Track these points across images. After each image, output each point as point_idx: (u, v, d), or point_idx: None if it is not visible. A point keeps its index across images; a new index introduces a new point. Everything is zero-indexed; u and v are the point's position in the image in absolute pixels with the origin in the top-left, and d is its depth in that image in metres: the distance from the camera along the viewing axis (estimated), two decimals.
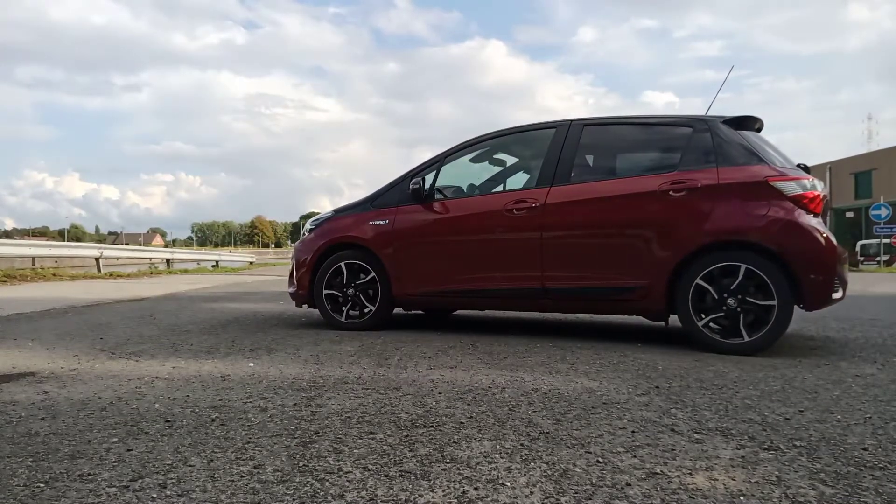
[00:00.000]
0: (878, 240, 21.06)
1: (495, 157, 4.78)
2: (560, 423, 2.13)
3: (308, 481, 1.60)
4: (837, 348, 3.73)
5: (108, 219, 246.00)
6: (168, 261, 20.68)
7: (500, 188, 4.62)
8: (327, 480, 1.61)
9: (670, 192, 3.73)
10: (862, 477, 1.65)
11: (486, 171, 4.79)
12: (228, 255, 29.80)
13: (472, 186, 4.64)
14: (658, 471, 1.68)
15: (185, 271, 16.95)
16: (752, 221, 3.54)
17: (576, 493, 1.53)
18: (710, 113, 4.08)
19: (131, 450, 1.84)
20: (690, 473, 1.67)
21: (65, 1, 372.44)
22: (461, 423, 2.13)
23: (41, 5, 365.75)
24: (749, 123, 4.00)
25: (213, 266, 22.18)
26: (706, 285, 3.58)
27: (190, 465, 1.71)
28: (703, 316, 3.62)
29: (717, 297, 3.54)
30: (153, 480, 1.61)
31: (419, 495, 1.52)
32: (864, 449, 1.87)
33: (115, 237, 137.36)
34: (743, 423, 2.14)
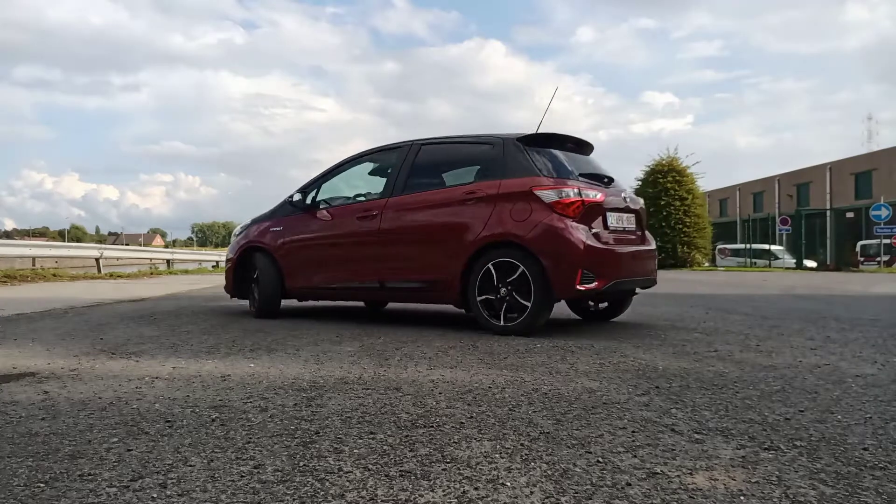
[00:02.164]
0: (879, 240, 21.01)
1: (383, 169, 5.32)
2: (560, 423, 2.13)
3: (308, 481, 1.60)
4: (837, 348, 3.73)
5: (107, 219, 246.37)
6: (168, 261, 20.71)
7: (362, 198, 5.24)
8: (327, 480, 1.61)
9: (465, 201, 4.43)
10: (862, 477, 1.65)
11: (371, 182, 5.40)
12: None
13: (348, 197, 5.35)
14: (658, 471, 1.68)
15: (186, 272, 16.96)
16: (515, 225, 4.17)
17: (576, 492, 1.53)
18: (540, 126, 4.62)
19: (131, 450, 1.85)
20: (691, 473, 1.66)
21: (63, 1, 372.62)
22: (461, 423, 2.13)
23: (39, 5, 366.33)
24: (555, 141, 4.62)
25: (213, 266, 22.19)
26: (485, 277, 4.24)
27: (190, 465, 1.71)
28: (491, 303, 4.23)
29: (494, 286, 4.20)
30: (153, 480, 1.61)
31: (419, 495, 1.52)
32: (865, 449, 1.87)
33: (115, 238, 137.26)
34: (743, 423, 2.14)
